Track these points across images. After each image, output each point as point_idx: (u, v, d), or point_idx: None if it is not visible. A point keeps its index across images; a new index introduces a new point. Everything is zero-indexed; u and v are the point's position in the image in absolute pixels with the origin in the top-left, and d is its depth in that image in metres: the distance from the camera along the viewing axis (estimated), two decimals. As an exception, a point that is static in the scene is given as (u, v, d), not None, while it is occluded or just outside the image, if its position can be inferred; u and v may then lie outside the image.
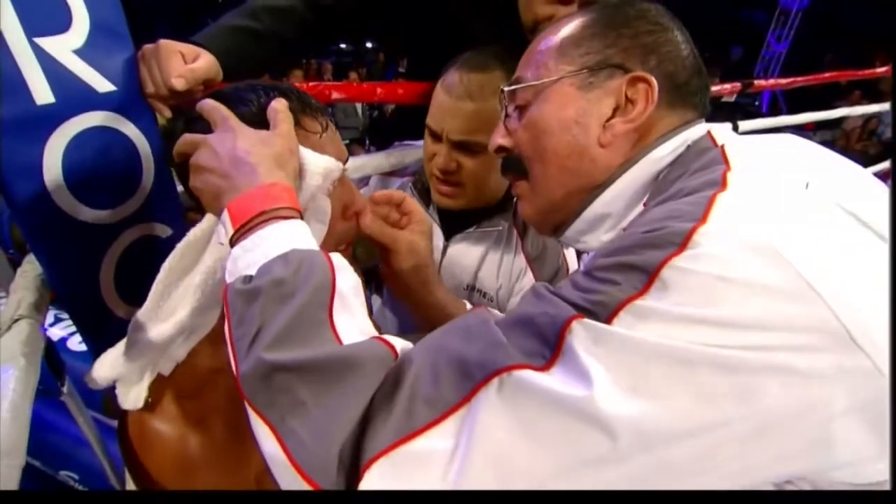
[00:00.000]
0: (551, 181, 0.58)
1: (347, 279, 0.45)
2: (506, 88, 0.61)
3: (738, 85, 1.85)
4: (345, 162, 0.59)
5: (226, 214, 0.48)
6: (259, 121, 0.53)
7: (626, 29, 0.55)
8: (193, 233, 0.53)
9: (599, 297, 0.38)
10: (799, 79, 2.29)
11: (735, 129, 1.76)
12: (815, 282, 0.35)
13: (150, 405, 0.56)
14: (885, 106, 3.35)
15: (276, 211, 0.47)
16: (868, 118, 5.00)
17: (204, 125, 0.53)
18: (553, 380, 0.36)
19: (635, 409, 0.35)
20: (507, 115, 0.62)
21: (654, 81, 0.53)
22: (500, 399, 0.36)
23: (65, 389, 0.72)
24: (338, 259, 0.46)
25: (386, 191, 0.70)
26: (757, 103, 6.43)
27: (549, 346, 0.38)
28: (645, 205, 0.53)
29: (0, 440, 0.40)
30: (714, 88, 1.83)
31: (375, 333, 0.44)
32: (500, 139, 0.62)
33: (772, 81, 2.65)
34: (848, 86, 5.43)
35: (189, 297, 0.53)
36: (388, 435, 0.37)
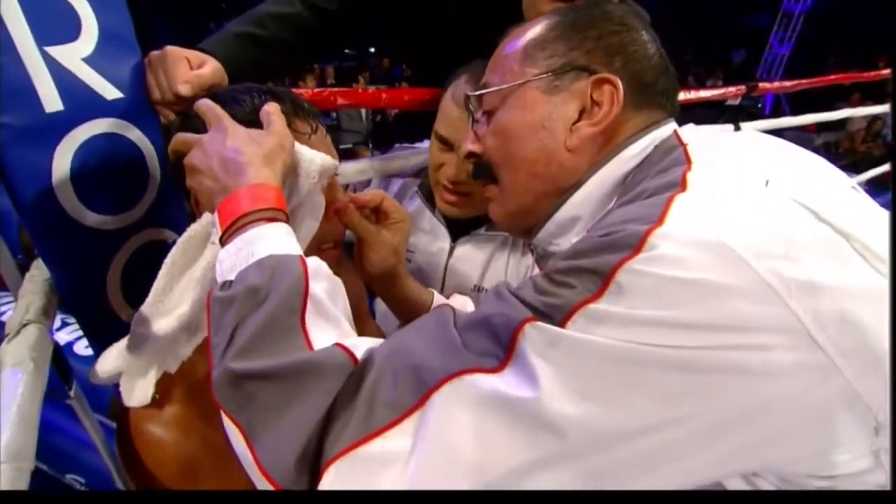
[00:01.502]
0: (520, 186, 0.57)
1: (322, 283, 0.45)
2: (472, 94, 0.60)
3: (742, 88, 1.84)
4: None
5: (216, 216, 0.48)
6: (252, 120, 0.54)
7: (591, 30, 0.54)
8: (194, 228, 0.53)
9: (554, 300, 0.38)
10: (804, 81, 2.29)
11: (737, 130, 1.75)
12: (772, 280, 0.35)
13: (154, 404, 0.56)
14: (888, 107, 3.34)
15: (259, 212, 0.47)
16: (873, 119, 4.99)
17: (199, 123, 0.55)
18: (503, 382, 0.37)
19: (585, 410, 0.35)
20: (475, 121, 0.61)
21: (619, 83, 0.52)
22: (452, 402, 0.37)
23: (72, 393, 0.72)
24: (313, 263, 0.46)
25: (366, 192, 0.70)
26: (760, 105, 6.42)
27: (502, 348, 0.38)
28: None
29: (10, 444, 0.40)
30: (719, 91, 1.83)
31: (354, 336, 0.45)
32: (469, 145, 0.62)
33: (776, 84, 2.64)
34: (851, 87, 5.41)
35: (190, 292, 0.53)
36: (346, 437, 0.37)
